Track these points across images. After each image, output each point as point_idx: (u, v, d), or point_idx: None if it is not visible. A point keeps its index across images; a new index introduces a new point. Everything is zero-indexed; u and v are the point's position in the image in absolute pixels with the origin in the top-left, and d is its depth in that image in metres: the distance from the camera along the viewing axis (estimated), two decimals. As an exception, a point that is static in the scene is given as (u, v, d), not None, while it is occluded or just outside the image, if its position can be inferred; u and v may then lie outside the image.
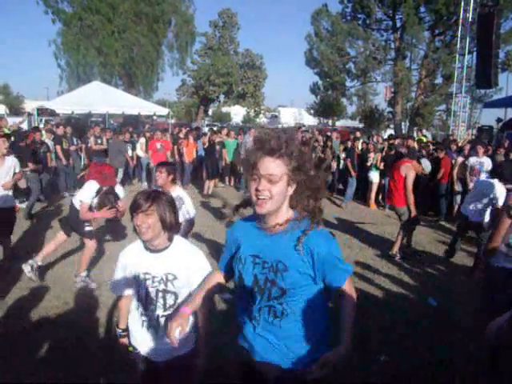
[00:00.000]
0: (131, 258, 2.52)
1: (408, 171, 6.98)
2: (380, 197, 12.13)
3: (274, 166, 1.82)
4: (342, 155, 12.67)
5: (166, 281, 2.42)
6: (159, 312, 2.45)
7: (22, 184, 9.13)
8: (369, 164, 11.74)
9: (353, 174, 11.91)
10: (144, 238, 2.38)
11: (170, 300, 2.44)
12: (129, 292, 2.57)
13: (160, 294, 2.43)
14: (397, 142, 12.50)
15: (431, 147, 12.26)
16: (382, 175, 11.43)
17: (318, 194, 1.96)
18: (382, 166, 11.39)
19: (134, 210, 2.34)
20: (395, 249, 7.34)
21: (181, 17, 32.56)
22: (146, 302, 2.46)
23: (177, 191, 4.76)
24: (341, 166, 12.78)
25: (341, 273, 2.01)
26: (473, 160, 9.68)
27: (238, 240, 2.11)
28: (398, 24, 27.92)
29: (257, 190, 1.82)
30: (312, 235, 1.88)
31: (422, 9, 26.40)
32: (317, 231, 1.91)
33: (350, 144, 12.75)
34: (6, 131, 12.14)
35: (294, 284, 1.89)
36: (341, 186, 13.25)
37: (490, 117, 21.36)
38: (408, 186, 6.93)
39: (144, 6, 30.44)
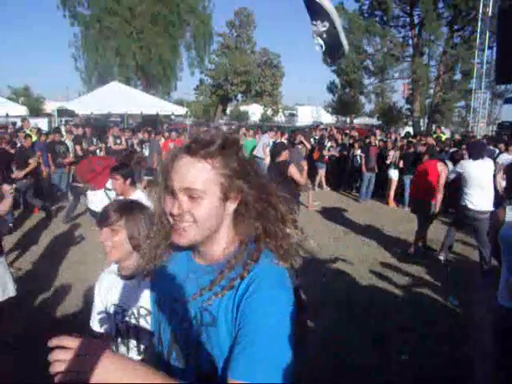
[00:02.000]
0: (105, 284, 2.09)
1: (444, 168, 7.07)
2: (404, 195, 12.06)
3: (195, 172, 1.19)
4: (358, 152, 12.62)
5: (138, 316, 1.92)
6: (133, 355, 1.93)
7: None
8: (388, 162, 11.67)
9: (363, 169, 11.99)
10: (108, 259, 1.97)
11: (145, 340, 1.90)
12: (104, 329, 2.09)
13: (132, 332, 1.94)
14: (415, 140, 12.43)
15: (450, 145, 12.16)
16: (401, 173, 11.36)
17: (271, 219, 1.29)
18: (401, 164, 11.31)
19: (100, 223, 1.94)
20: (414, 247, 7.31)
21: (198, 17, 32.67)
22: (116, 342, 2.00)
23: (137, 194, 4.37)
24: (356, 163, 12.74)
25: (249, 364, 1.06)
26: (504, 157, 9.33)
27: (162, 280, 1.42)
28: (416, 20, 27.64)
29: (171, 214, 1.22)
30: (249, 283, 1.18)
31: (440, 4, 26.14)
32: (261, 283, 1.17)
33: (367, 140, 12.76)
34: (28, 132, 12.38)
35: (223, 349, 1.19)
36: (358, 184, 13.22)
37: (510, 113, 21.06)
38: (441, 182, 6.98)
39: (161, 7, 30.61)
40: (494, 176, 6.40)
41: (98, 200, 5.42)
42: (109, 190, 5.38)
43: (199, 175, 1.19)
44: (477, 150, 6.37)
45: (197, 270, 1.31)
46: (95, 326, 2.13)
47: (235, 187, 1.22)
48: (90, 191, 5.58)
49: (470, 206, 6.13)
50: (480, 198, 6.08)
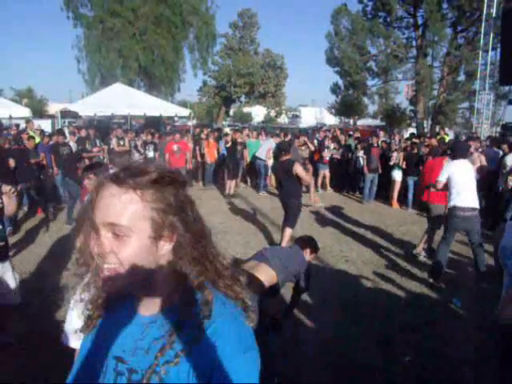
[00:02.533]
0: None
1: None
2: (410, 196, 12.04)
3: (121, 205, 1.00)
4: (360, 153, 12.62)
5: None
6: None
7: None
8: (391, 163, 11.66)
9: (365, 170, 11.98)
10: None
11: None
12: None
13: None
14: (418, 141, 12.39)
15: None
16: (405, 174, 11.34)
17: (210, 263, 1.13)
18: (404, 165, 11.29)
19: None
20: (419, 248, 7.29)
21: (201, 18, 32.70)
22: None
23: None
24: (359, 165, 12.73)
25: None
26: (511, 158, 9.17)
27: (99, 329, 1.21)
28: (420, 21, 27.62)
29: (95, 254, 1.03)
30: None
31: (444, 5, 26.11)
32: (224, 349, 1.01)
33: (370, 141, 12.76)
34: (31, 133, 12.42)
35: None
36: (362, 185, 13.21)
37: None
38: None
39: (164, 8, 30.66)
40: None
41: None
42: None
43: (126, 209, 0.99)
44: (462, 150, 6.35)
45: (140, 323, 1.12)
46: (66, 340, 1.98)
47: (169, 224, 1.04)
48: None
49: (460, 205, 5.93)
50: (468, 197, 5.94)
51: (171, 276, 1.09)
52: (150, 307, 1.12)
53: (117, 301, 1.17)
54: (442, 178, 6.14)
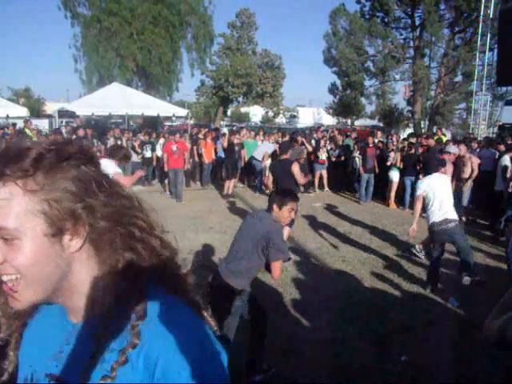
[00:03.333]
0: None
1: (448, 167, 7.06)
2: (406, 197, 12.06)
3: (1, 202, 0.81)
4: (356, 153, 12.64)
5: None
6: None
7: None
8: (389, 163, 11.68)
9: (361, 170, 12.03)
10: None
11: None
12: None
13: None
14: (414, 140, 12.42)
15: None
16: (402, 174, 11.36)
17: (143, 243, 0.93)
18: (401, 166, 11.31)
19: None
20: (421, 246, 7.28)
21: (198, 18, 32.70)
22: None
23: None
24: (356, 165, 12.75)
25: None
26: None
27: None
28: (417, 22, 27.70)
29: None
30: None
31: (442, 6, 26.18)
32: (165, 360, 0.83)
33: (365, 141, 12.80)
34: (28, 133, 12.40)
35: None
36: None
37: (511, 115, 21.02)
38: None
39: (162, 7, 30.65)
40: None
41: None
42: None
43: (7, 206, 0.80)
44: (436, 162, 6.30)
45: (71, 331, 0.93)
46: None
47: (70, 215, 0.83)
48: None
49: (439, 220, 5.80)
50: (447, 211, 5.79)
51: (95, 275, 0.90)
52: (77, 314, 0.93)
53: (43, 305, 0.99)
54: (418, 193, 6.12)
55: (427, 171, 6.28)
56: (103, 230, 0.87)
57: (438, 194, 5.87)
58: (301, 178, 7.09)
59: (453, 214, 5.82)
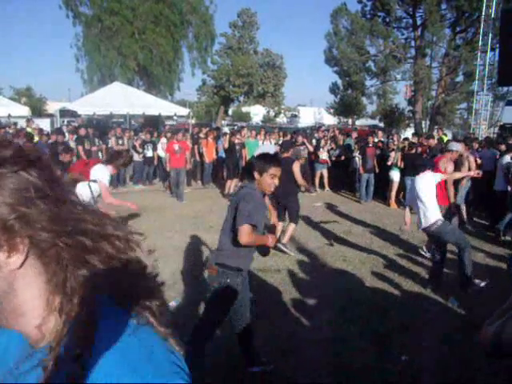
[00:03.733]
0: None
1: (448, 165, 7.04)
2: (401, 195, 12.05)
3: None
4: (356, 153, 12.65)
5: None
6: None
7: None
8: (389, 163, 11.68)
9: (360, 170, 12.04)
10: None
11: None
12: None
13: None
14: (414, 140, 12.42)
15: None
16: (402, 174, 11.35)
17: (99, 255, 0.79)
18: (402, 165, 11.31)
19: None
20: (426, 247, 7.28)
21: (200, 17, 32.69)
22: None
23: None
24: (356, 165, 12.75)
25: None
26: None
27: None
28: (419, 22, 27.66)
29: None
30: None
31: (444, 6, 26.16)
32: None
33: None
34: (29, 131, 12.42)
35: None
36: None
37: (513, 115, 20.99)
38: (449, 181, 6.95)
39: (163, 7, 30.65)
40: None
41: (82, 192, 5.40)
42: (94, 181, 5.46)
43: None
44: (421, 165, 6.20)
45: (28, 354, 0.79)
46: None
47: (2, 230, 0.71)
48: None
49: (426, 226, 5.76)
50: (432, 214, 5.72)
51: (41, 296, 0.78)
52: (29, 339, 0.81)
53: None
54: (409, 197, 6.07)
55: (410, 172, 6.17)
56: (46, 242, 0.74)
57: (424, 195, 5.80)
58: (300, 178, 7.12)
59: (435, 215, 5.73)
